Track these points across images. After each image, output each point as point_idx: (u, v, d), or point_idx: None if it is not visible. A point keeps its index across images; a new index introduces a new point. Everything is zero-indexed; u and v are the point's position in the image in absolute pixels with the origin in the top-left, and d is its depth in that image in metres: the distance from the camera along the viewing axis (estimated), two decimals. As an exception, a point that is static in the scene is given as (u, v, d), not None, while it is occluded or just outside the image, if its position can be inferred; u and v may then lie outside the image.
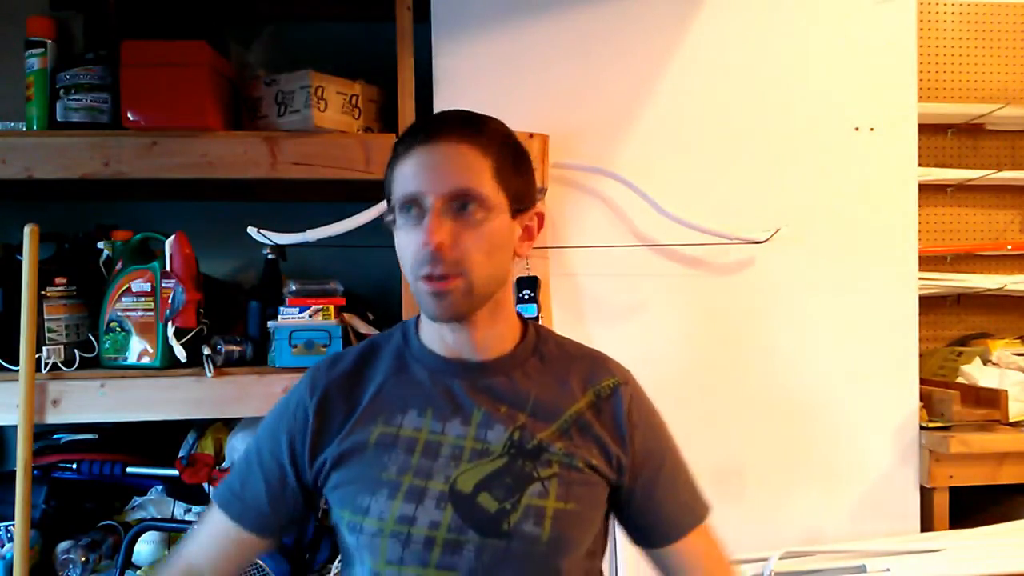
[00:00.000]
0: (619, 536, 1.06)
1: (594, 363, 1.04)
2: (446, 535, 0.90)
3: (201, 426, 1.87)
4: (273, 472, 1.01)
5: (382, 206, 1.69)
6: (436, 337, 1.00)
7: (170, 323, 1.66)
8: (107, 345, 1.72)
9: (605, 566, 1.07)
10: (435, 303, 0.93)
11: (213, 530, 1.03)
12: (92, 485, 1.83)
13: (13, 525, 1.60)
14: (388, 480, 0.93)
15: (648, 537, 1.03)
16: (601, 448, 0.97)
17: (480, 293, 0.94)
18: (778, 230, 1.84)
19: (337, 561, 1.71)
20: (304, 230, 1.71)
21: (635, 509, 1.01)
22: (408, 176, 0.93)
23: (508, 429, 0.95)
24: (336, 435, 0.98)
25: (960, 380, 2.07)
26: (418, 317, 1.05)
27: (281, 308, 1.72)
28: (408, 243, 0.93)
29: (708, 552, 1.04)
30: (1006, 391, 1.93)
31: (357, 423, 0.98)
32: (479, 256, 0.92)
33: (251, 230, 1.73)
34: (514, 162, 0.97)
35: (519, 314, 1.07)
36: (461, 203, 0.91)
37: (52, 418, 1.65)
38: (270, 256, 1.83)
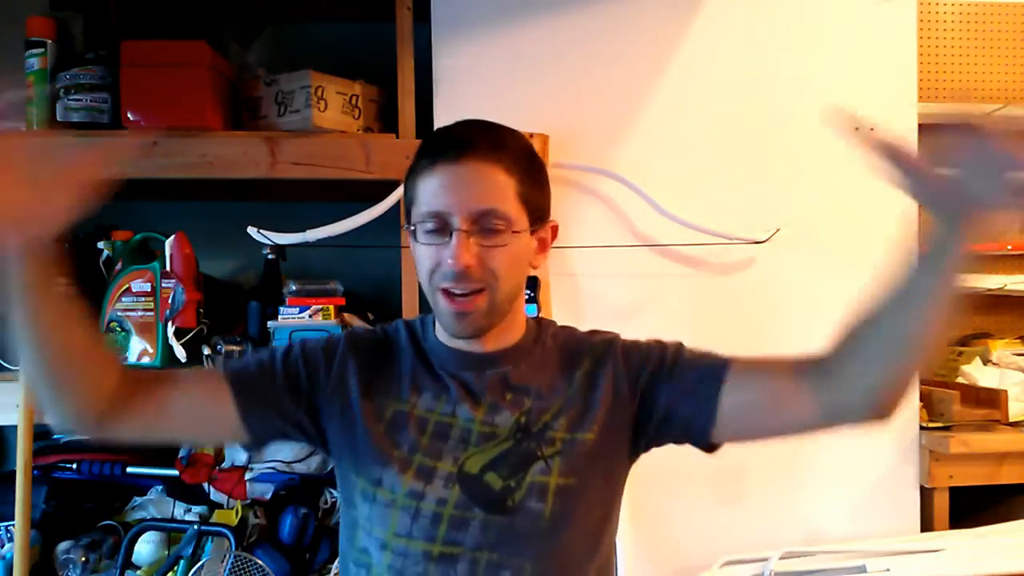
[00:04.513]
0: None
1: (588, 337, 1.07)
2: (452, 511, 0.93)
3: (201, 426, 1.87)
4: (293, 366, 1.00)
5: (382, 206, 1.71)
6: (447, 336, 1.02)
7: (170, 323, 1.66)
8: (107, 345, 1.72)
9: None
10: (456, 322, 0.95)
11: (201, 372, 1.03)
12: (92, 485, 1.83)
13: (13, 525, 1.61)
14: (400, 457, 0.96)
15: (701, 403, 0.98)
16: (608, 397, 0.99)
17: (499, 311, 0.96)
18: (778, 230, 1.84)
19: (337, 561, 1.71)
20: (304, 230, 1.71)
21: (672, 400, 0.99)
22: (433, 192, 0.94)
23: (515, 414, 0.98)
24: (352, 392, 0.99)
25: (960, 380, 2.07)
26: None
27: (281, 308, 1.72)
28: (428, 255, 0.95)
29: (756, 359, 1.03)
30: (1006, 391, 1.93)
31: (374, 394, 0.99)
32: (504, 271, 0.94)
33: (251, 230, 1.73)
34: (536, 178, 0.99)
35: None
36: (487, 223, 0.93)
37: (52, 418, 1.65)
38: (270, 256, 1.83)
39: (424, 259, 0.95)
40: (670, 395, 0.99)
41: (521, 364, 1.01)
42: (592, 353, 1.03)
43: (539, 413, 0.98)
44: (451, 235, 0.92)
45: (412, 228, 0.97)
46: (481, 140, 0.95)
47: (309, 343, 1.04)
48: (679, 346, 1.05)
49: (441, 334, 1.03)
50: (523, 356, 1.02)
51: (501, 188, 0.94)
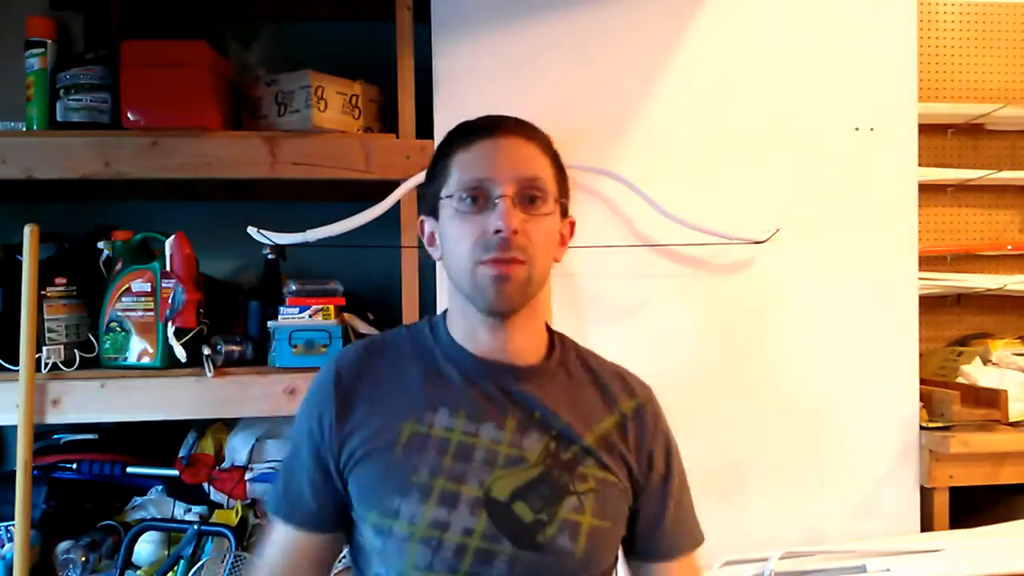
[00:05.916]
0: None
1: (618, 379, 1.04)
2: (479, 543, 0.88)
3: (201, 426, 1.87)
4: (311, 462, 0.96)
5: (382, 206, 1.70)
6: (469, 335, 0.98)
7: (170, 323, 1.66)
8: (107, 345, 1.72)
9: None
10: (496, 288, 0.91)
11: (275, 539, 0.98)
12: (92, 485, 1.83)
13: (13, 525, 1.60)
14: (419, 483, 0.90)
15: (646, 551, 1.02)
16: (627, 467, 0.98)
17: (533, 287, 0.95)
18: (778, 230, 1.84)
19: (338, 561, 1.71)
20: (304, 230, 1.71)
21: (641, 523, 1.00)
22: (474, 163, 0.94)
23: (543, 438, 0.94)
24: (362, 424, 0.95)
25: (960, 380, 2.07)
26: (445, 313, 1.02)
27: (281, 308, 1.72)
28: (468, 230, 0.92)
29: None
30: (1006, 391, 1.93)
31: (384, 418, 0.94)
32: (541, 248, 0.93)
33: (251, 230, 1.73)
34: (562, 167, 1.01)
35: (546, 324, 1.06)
36: (530, 194, 0.93)
37: (52, 418, 1.65)
38: (270, 256, 1.83)
39: (462, 236, 0.92)
40: (643, 510, 1.00)
41: (547, 386, 0.98)
42: (627, 399, 1.02)
43: (568, 440, 0.95)
44: (495, 203, 0.91)
45: (443, 199, 0.95)
46: (514, 122, 0.97)
47: (300, 411, 0.99)
48: (682, 487, 1.04)
49: (460, 337, 0.98)
50: (549, 378, 0.99)
51: (540, 161, 0.96)
